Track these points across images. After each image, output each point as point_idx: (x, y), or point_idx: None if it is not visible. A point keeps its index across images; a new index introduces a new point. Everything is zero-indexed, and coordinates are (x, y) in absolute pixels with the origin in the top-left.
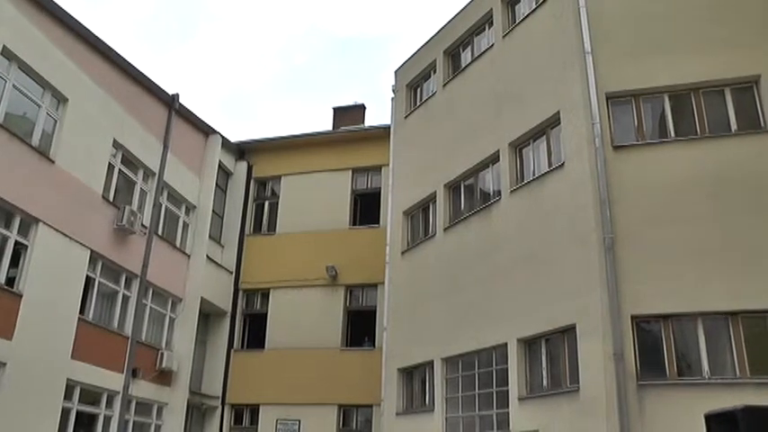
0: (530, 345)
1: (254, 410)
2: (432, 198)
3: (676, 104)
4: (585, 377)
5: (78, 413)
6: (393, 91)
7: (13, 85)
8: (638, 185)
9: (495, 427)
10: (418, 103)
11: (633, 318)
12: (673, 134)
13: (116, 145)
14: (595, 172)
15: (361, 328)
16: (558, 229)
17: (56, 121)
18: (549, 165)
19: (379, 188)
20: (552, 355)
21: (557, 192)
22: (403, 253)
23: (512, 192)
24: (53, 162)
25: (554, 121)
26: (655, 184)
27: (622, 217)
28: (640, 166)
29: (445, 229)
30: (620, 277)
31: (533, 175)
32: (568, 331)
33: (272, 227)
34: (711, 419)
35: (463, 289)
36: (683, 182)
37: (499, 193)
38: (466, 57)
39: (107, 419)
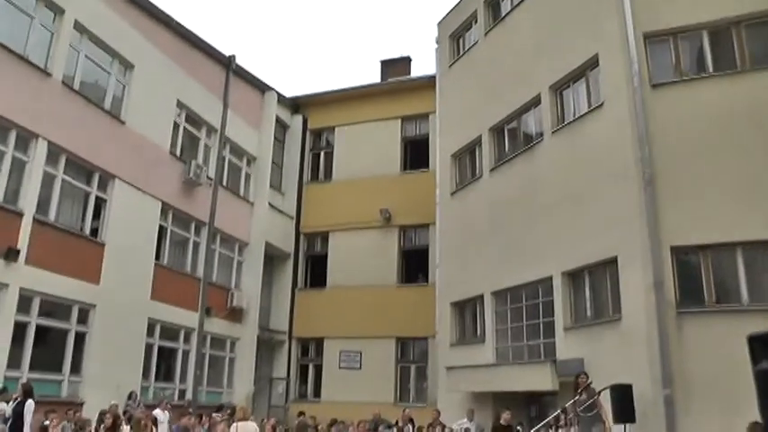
0: (573, 277)
1: (319, 343)
2: (477, 141)
3: (715, 40)
4: (627, 307)
5: (160, 348)
6: (436, 42)
7: (86, 56)
8: (676, 122)
9: (542, 356)
10: (461, 53)
11: (672, 249)
12: (711, 69)
13: (179, 105)
14: (634, 110)
15: (414, 265)
16: (599, 166)
17: (124, 86)
18: (589, 105)
19: (427, 134)
20: (595, 286)
21: (596, 131)
22: (452, 194)
23: (553, 133)
24: (124, 123)
25: (593, 63)
26: (693, 120)
27: (661, 153)
28: (678, 102)
29: (491, 171)
30: (659, 210)
31: (573, 116)
32: (610, 263)
33: (328, 175)
34: (755, 340)
35: (509, 226)
36: (721, 116)
37: (541, 134)
38: (506, 5)
39: (185, 353)
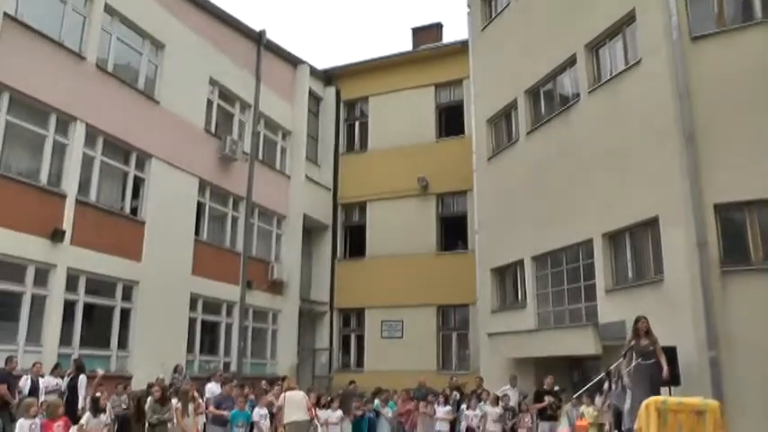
0: (614, 239)
1: (360, 314)
2: (513, 105)
3: None
4: (669, 267)
5: (203, 321)
6: (468, 6)
7: (117, 38)
8: (718, 75)
9: (583, 319)
10: (493, 16)
11: (716, 206)
12: (760, 15)
13: (212, 82)
14: (673, 65)
15: (453, 232)
16: (638, 124)
17: (156, 66)
18: (626, 63)
19: (462, 100)
20: (636, 247)
21: (634, 89)
22: (488, 159)
23: (590, 92)
24: (158, 103)
25: (629, 19)
26: (735, 73)
27: (702, 108)
28: (720, 55)
29: (527, 134)
30: (701, 167)
31: (610, 74)
32: (651, 223)
33: (363, 145)
34: None
35: (548, 189)
36: (766, 67)
37: (577, 95)
38: None
39: (228, 326)
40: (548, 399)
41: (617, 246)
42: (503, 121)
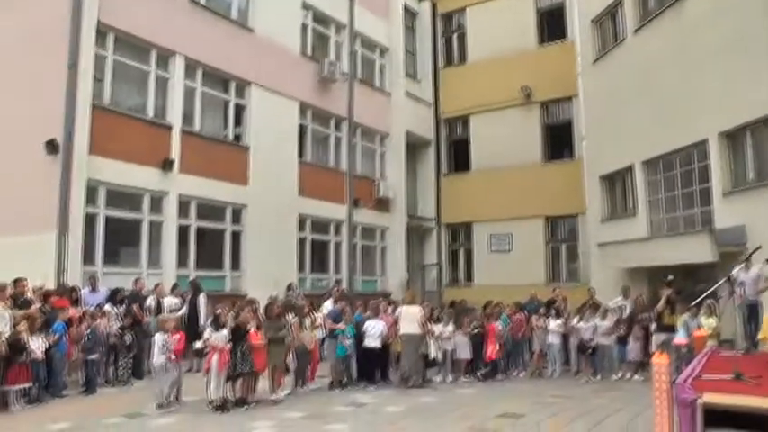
0: (732, 138)
1: (468, 228)
2: (618, 2)
3: None
4: None
5: (312, 241)
6: None
7: None
8: None
9: (698, 225)
10: None
11: None
12: None
13: (305, 6)
14: None
15: (559, 141)
16: (757, 11)
17: None
18: None
19: (563, 2)
20: (757, 145)
21: None
22: (594, 62)
23: None
24: (252, 31)
25: None
26: None
27: None
28: None
29: (635, 32)
30: None
31: None
32: None
33: (462, 57)
34: None
35: (658, 89)
36: None
37: None
38: None
39: (337, 245)
40: (667, 292)
41: (735, 145)
42: (608, 20)
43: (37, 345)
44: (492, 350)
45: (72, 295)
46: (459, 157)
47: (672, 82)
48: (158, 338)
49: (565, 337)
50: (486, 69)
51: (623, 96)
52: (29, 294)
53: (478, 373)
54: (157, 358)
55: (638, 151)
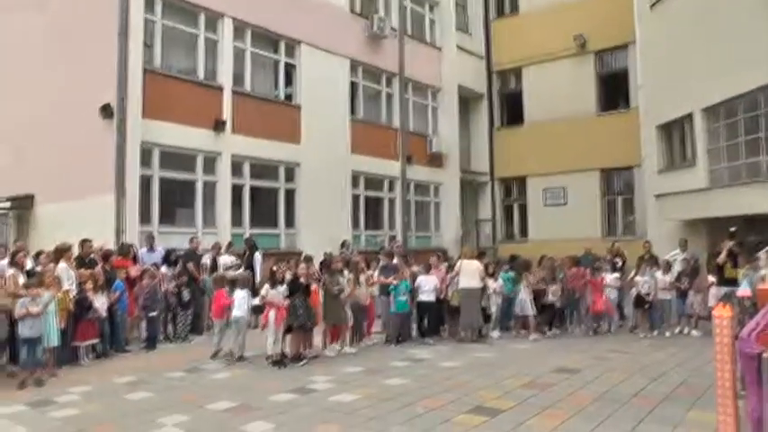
0: None
1: (521, 182)
2: None
3: None
4: None
5: (366, 198)
6: None
7: None
8: None
9: (763, 175)
10: None
11: None
12: None
13: None
14: None
15: (614, 91)
16: None
17: None
18: None
19: None
20: None
21: None
22: (652, 6)
23: None
24: None
25: None
26: None
27: None
28: None
29: None
30: None
31: None
32: None
33: (513, 7)
34: None
35: (720, 32)
36: None
37: None
38: None
39: (391, 201)
40: (729, 244)
41: None
42: None
43: (101, 302)
44: (599, 303)
45: (130, 254)
46: (513, 110)
47: (736, 23)
48: (238, 294)
49: (620, 291)
50: (539, 19)
51: (683, 41)
52: (93, 255)
53: (547, 332)
54: (237, 311)
55: (698, 98)
